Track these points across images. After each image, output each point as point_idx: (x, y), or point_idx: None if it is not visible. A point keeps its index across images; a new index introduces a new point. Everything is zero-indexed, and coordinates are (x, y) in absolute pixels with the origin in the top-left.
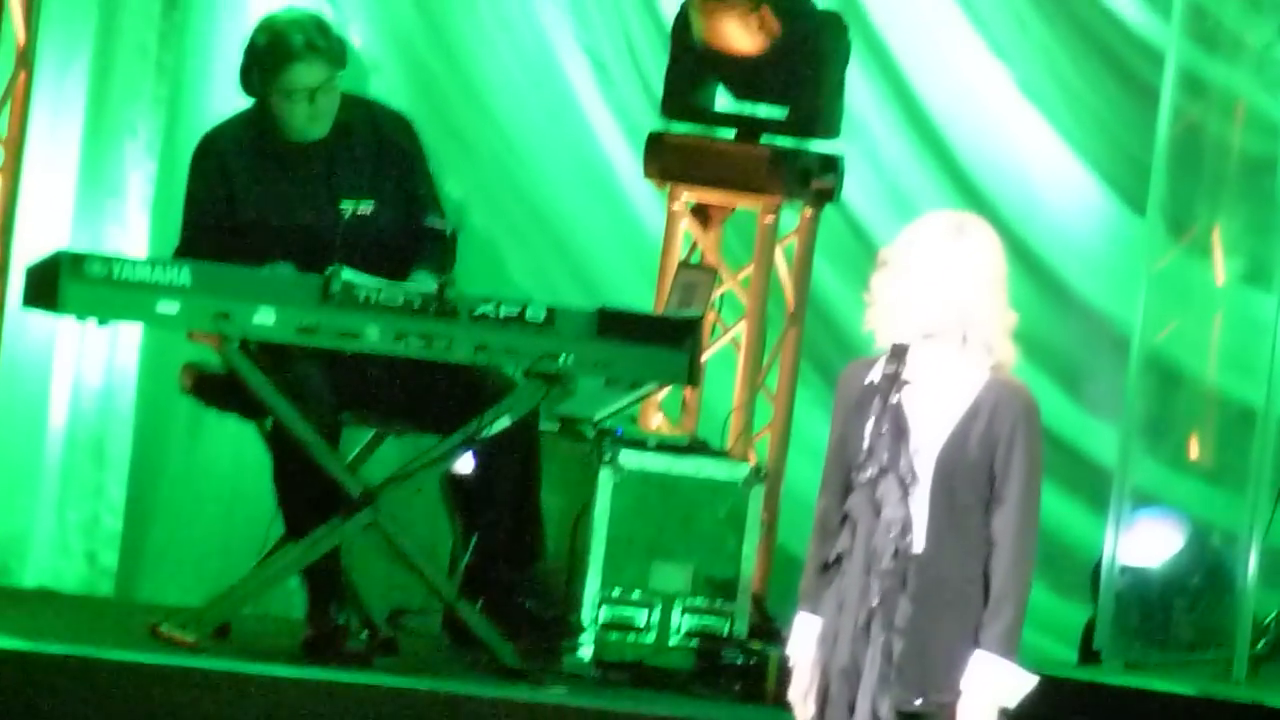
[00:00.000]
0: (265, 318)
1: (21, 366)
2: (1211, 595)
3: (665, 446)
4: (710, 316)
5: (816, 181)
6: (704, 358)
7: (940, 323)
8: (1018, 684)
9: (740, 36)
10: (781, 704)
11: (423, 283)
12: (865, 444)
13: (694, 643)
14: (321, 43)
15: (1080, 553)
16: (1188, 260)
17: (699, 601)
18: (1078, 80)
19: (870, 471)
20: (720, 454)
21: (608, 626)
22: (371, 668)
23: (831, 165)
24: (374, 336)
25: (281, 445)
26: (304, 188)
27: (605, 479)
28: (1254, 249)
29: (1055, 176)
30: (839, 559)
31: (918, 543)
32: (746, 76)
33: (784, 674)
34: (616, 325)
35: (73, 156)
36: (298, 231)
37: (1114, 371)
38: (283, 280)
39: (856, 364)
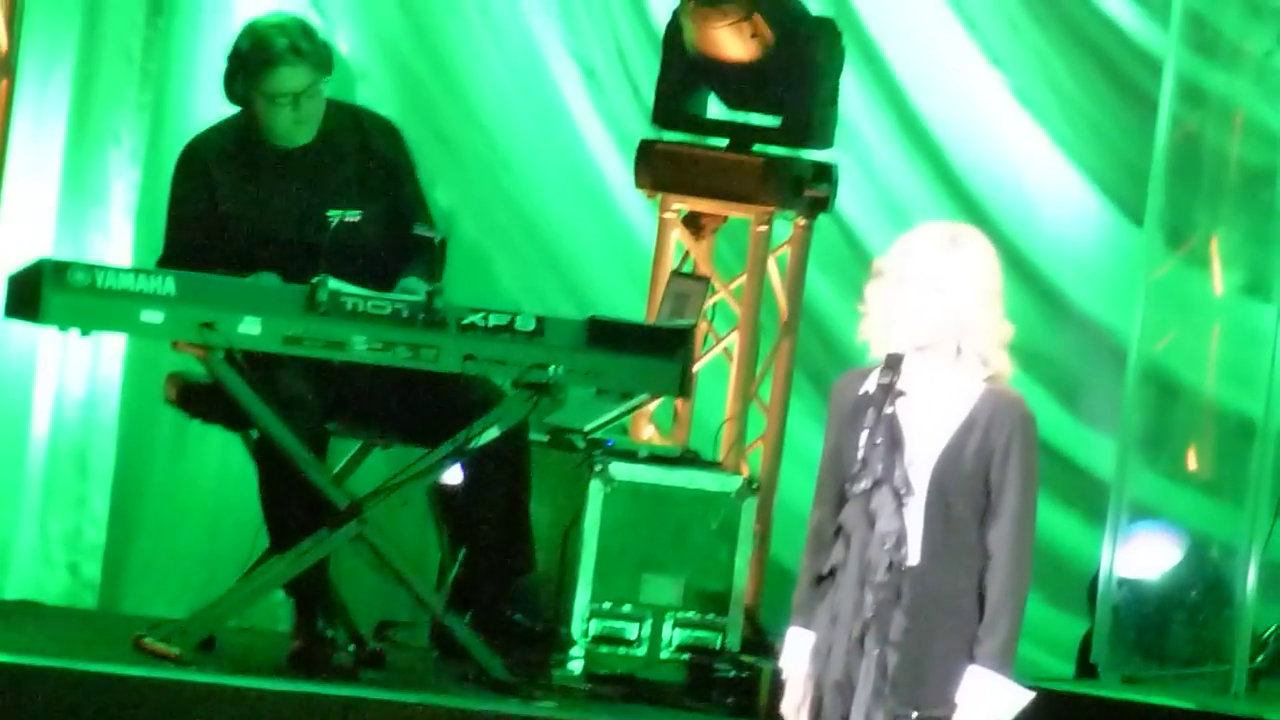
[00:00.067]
0: (251, 327)
1: (3, 376)
2: (1210, 609)
3: (656, 458)
4: (702, 326)
5: (810, 190)
6: (696, 368)
7: (935, 334)
8: (1013, 699)
9: (733, 44)
10: (774, 718)
11: (410, 292)
12: (860, 455)
13: (685, 656)
14: (306, 46)
15: (1077, 565)
16: (1186, 271)
17: (690, 614)
18: (1074, 88)
19: (865, 483)
20: (712, 465)
21: (598, 640)
22: (358, 681)
23: (825, 174)
24: (361, 346)
25: (267, 456)
26: (290, 196)
27: (595, 491)
28: (1253, 259)
29: (1052, 186)
30: (833, 572)
31: (912, 555)
32: (739, 84)
33: (777, 688)
34: (607, 335)
35: (55, 164)
36: (283, 240)
37: (1111, 383)
38: (268, 290)
39: (851, 374)
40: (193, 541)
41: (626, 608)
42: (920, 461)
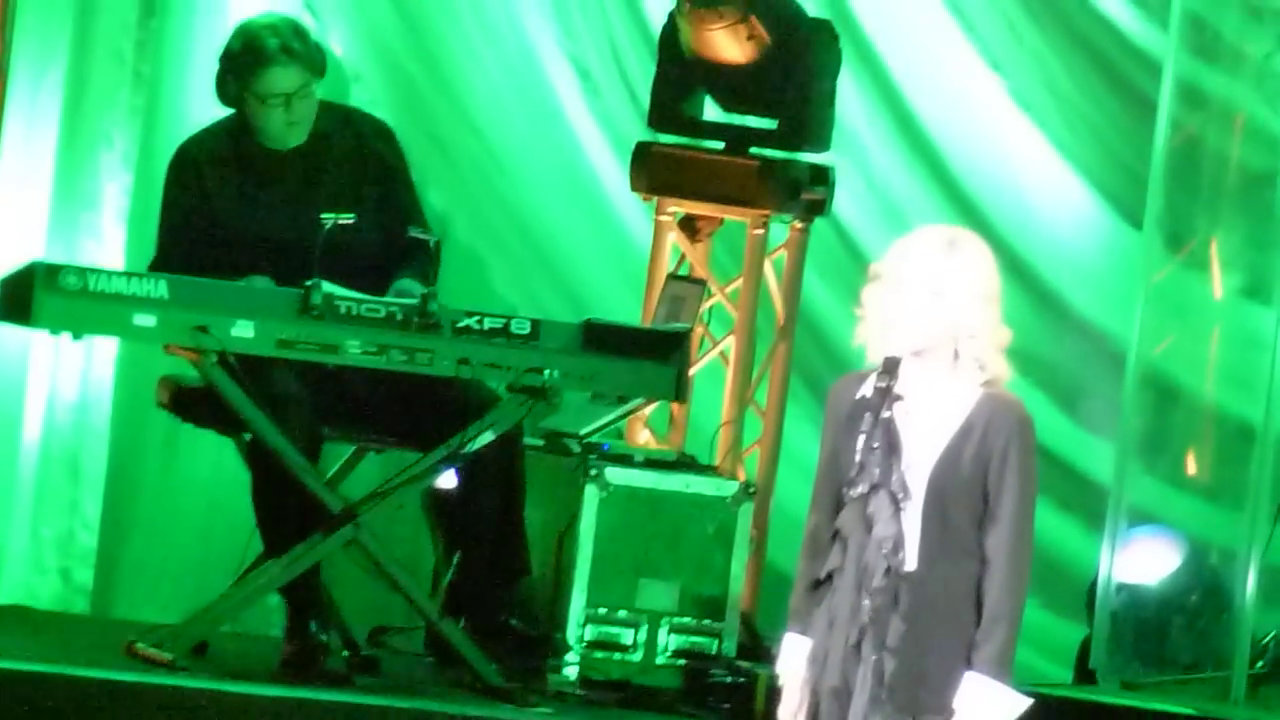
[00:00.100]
0: (244, 331)
1: None
2: (1209, 614)
3: (652, 462)
4: (698, 330)
5: (807, 193)
6: (692, 372)
7: (932, 338)
8: (1011, 706)
9: (729, 46)
10: None
11: (405, 295)
12: (857, 459)
13: (681, 662)
14: (298, 47)
15: (1076, 571)
16: (1185, 274)
17: (686, 620)
18: (1073, 91)
19: (862, 487)
20: (708, 470)
21: (593, 645)
22: (352, 687)
23: (822, 177)
24: (355, 350)
25: (260, 461)
26: (283, 199)
27: (591, 495)
28: (1253, 263)
29: (1050, 189)
30: (829, 577)
31: (910, 560)
32: (735, 87)
33: (773, 694)
34: (602, 339)
35: (47, 168)
36: (277, 243)
37: (1110, 387)
38: (262, 293)
39: (848, 378)
40: (185, 546)
41: (622, 613)
42: (918, 466)
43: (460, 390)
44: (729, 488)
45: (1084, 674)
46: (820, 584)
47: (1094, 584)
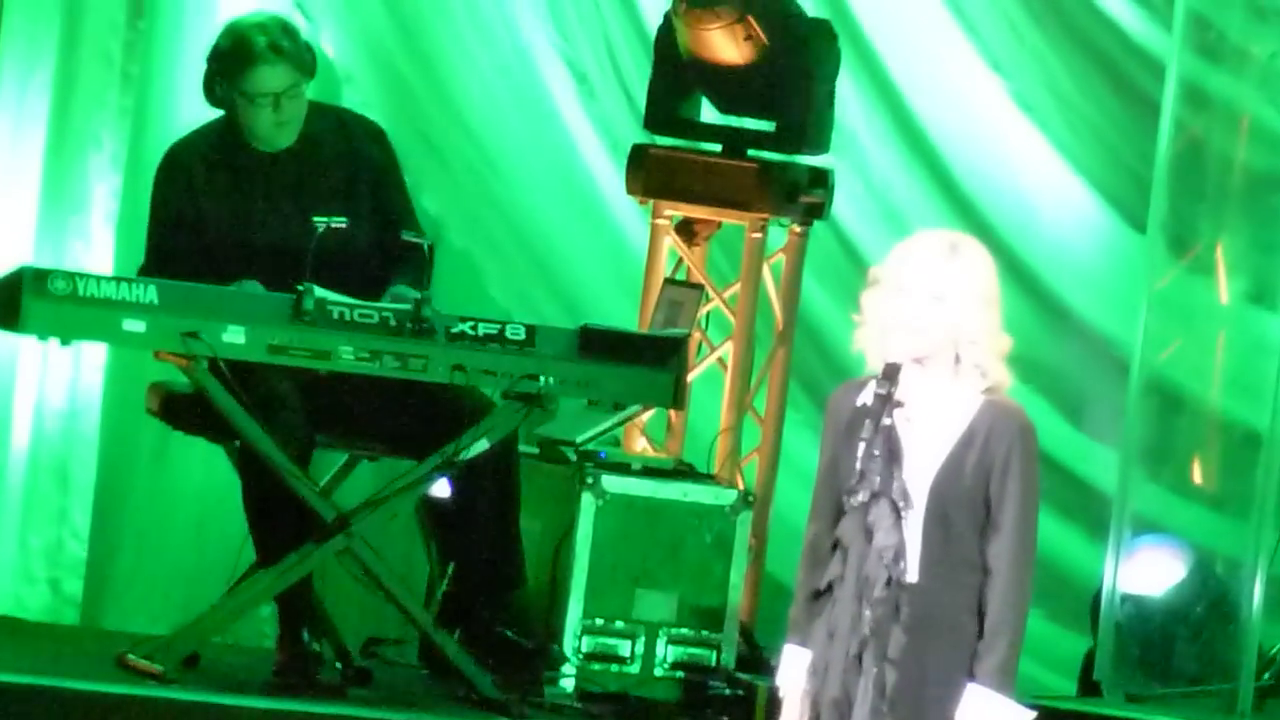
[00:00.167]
0: (235, 337)
1: None
2: (1215, 625)
3: (649, 470)
4: (696, 336)
5: (805, 197)
6: (690, 378)
7: (934, 343)
8: (1013, 718)
9: (726, 47)
10: None
11: (399, 300)
12: (857, 467)
13: (680, 674)
14: (287, 45)
15: (1079, 581)
16: (1190, 279)
17: (685, 631)
18: (1075, 92)
19: (862, 496)
20: (706, 478)
21: (590, 656)
22: (345, 699)
23: (821, 180)
24: (348, 356)
25: (252, 469)
26: (273, 202)
27: (587, 504)
28: (1259, 268)
29: (1052, 192)
30: (830, 587)
31: (911, 570)
32: (732, 89)
33: (773, 706)
34: (599, 345)
35: (35, 170)
36: (267, 247)
37: (1114, 394)
38: (253, 298)
39: (847, 385)
40: (176, 556)
41: (619, 624)
42: (919, 474)
43: (454, 397)
44: (727, 496)
45: (1088, 686)
46: (820, 594)
47: (1098, 595)
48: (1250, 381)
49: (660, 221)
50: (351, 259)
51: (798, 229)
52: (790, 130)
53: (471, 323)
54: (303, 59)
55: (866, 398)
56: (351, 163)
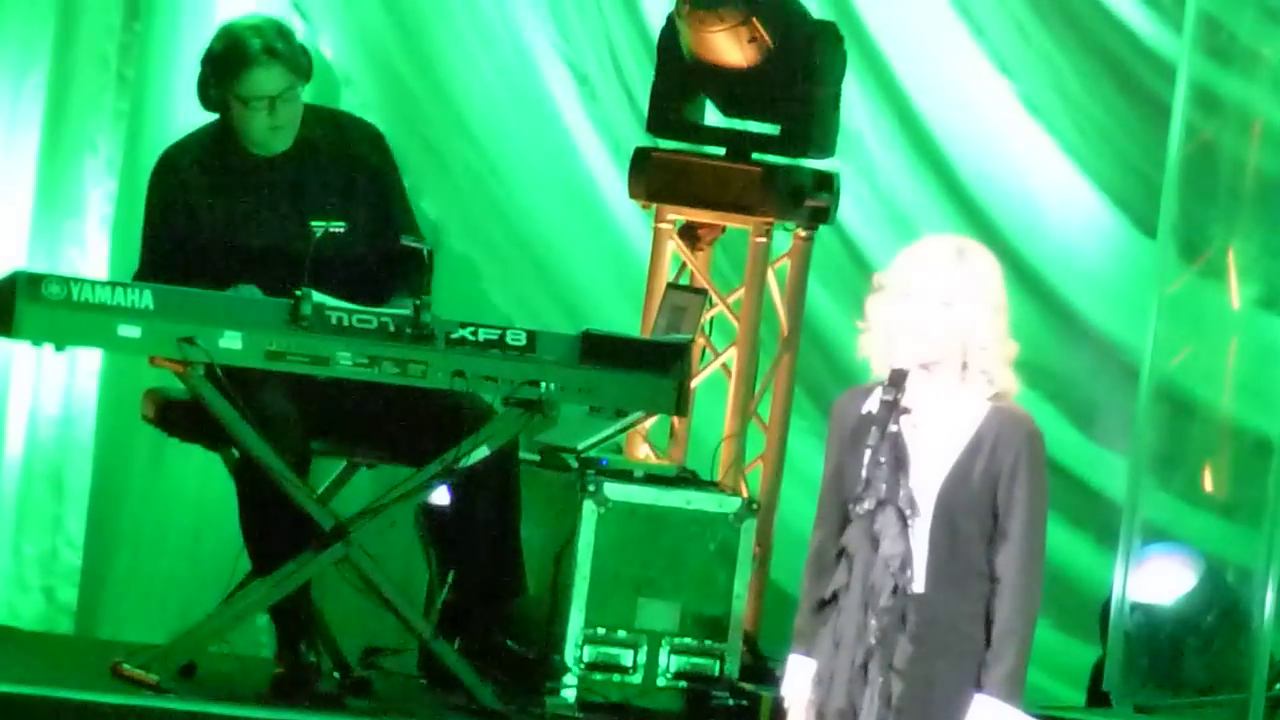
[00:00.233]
0: (232, 342)
1: None
2: (1226, 635)
3: (652, 478)
4: (700, 341)
5: (810, 201)
6: (693, 384)
7: (942, 349)
8: None
9: (730, 49)
10: None
11: (397, 306)
12: (863, 475)
13: (682, 684)
14: (282, 48)
15: (1088, 590)
16: (1201, 284)
17: (688, 641)
18: (1084, 95)
19: (868, 503)
20: (710, 486)
21: (592, 666)
22: (344, 709)
23: (826, 184)
24: (346, 362)
25: (249, 476)
26: (269, 206)
27: (589, 511)
28: (1270, 272)
29: (1061, 196)
30: (835, 596)
31: (918, 579)
32: (737, 91)
33: (777, 716)
34: (601, 350)
35: (29, 174)
36: (264, 252)
37: (1123, 401)
38: (250, 303)
39: (852, 392)
40: (172, 564)
41: (621, 633)
42: (926, 481)
43: (454, 403)
44: (731, 504)
45: (1097, 696)
46: (826, 604)
47: (1107, 603)
48: (1262, 388)
49: (663, 225)
50: (350, 264)
51: (803, 233)
52: (795, 133)
53: (472, 328)
54: (298, 62)
55: (872, 404)
56: (349, 166)
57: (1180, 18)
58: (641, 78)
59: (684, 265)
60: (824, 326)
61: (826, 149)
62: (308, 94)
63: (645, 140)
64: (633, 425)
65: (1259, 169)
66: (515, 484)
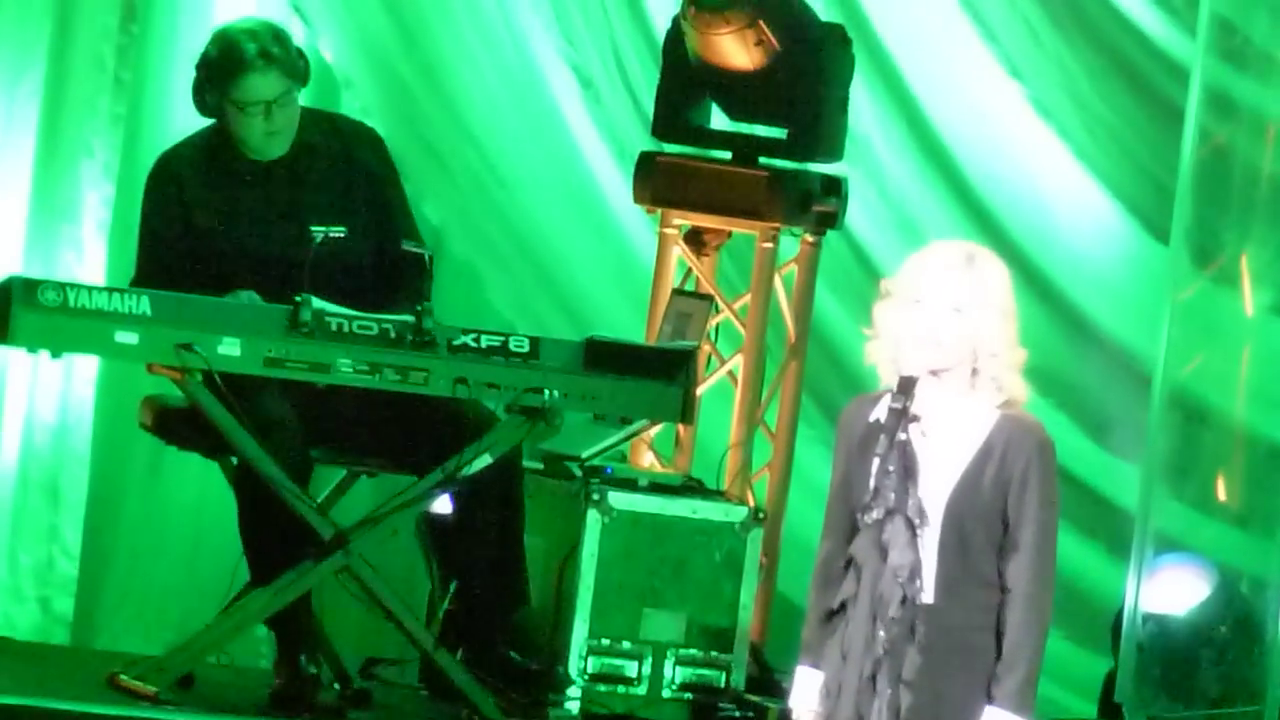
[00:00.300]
0: (230, 349)
1: None
2: (1240, 646)
3: (657, 486)
4: (705, 348)
5: (818, 205)
6: (699, 392)
7: (950, 357)
8: None
9: (736, 52)
10: None
11: (398, 312)
12: (871, 484)
13: (688, 695)
14: (277, 52)
15: (1100, 601)
16: (1214, 291)
17: (693, 652)
18: (1096, 99)
19: (877, 513)
20: (716, 495)
21: (596, 678)
22: None
23: (834, 188)
24: (346, 369)
25: (247, 485)
26: (267, 211)
27: (593, 521)
28: None
29: (1072, 202)
30: (843, 606)
31: (927, 589)
32: (743, 95)
33: None
34: (605, 357)
35: (25, 178)
36: (262, 258)
37: (1136, 408)
38: (248, 309)
39: (860, 400)
40: (170, 574)
41: (626, 644)
42: (935, 490)
43: (456, 411)
44: (737, 513)
45: (1109, 708)
46: (833, 614)
47: (1119, 614)
48: (1276, 395)
49: (668, 231)
50: (350, 269)
51: (810, 238)
52: (802, 137)
53: (474, 334)
54: (294, 66)
55: (880, 412)
56: (348, 170)
57: (1193, 20)
58: (646, 81)
59: (689, 271)
60: (832, 333)
61: (834, 153)
62: (307, 97)
63: (650, 144)
64: (637, 433)
65: (1273, 174)
66: (518, 493)
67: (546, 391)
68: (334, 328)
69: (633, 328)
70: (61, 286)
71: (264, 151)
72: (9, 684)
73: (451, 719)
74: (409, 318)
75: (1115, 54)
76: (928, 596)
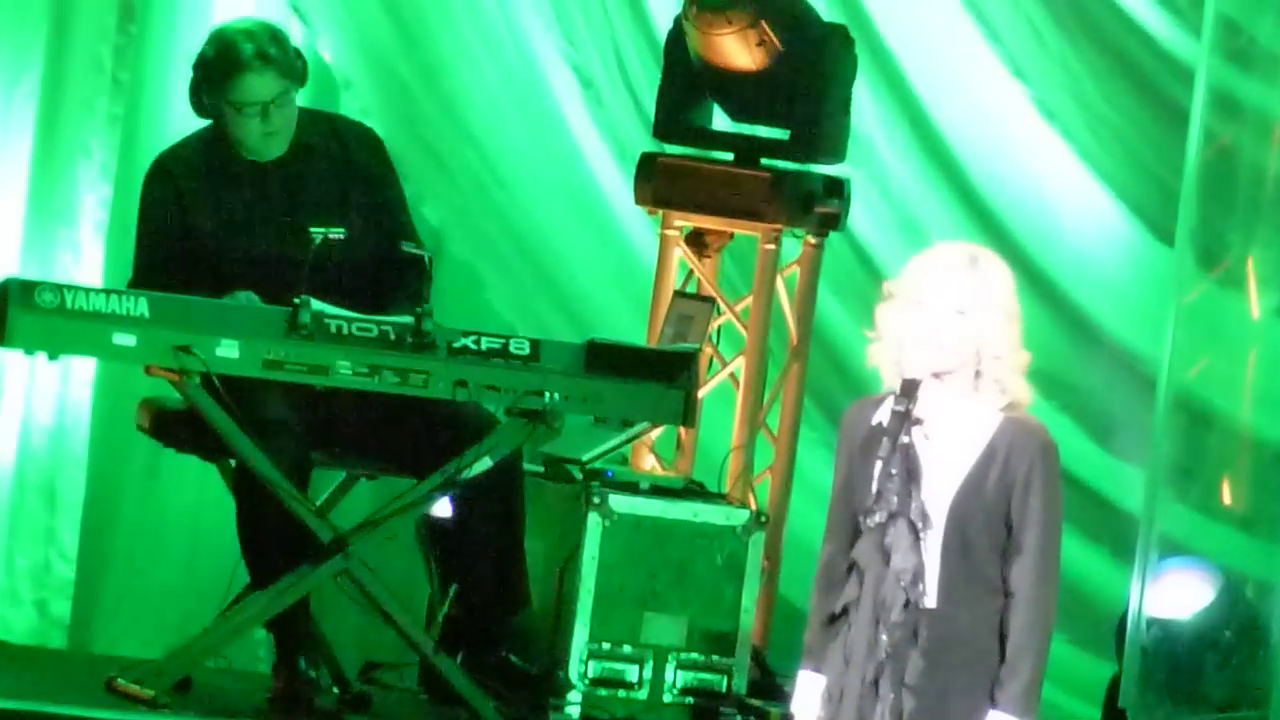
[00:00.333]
0: (228, 351)
1: None
2: (1245, 651)
3: (658, 489)
4: (707, 350)
5: (820, 207)
6: (700, 394)
7: (955, 358)
8: None
9: (738, 52)
10: None
11: (398, 314)
12: (874, 487)
13: (689, 700)
14: (274, 53)
15: (1104, 605)
16: (1219, 293)
17: (694, 656)
18: (1101, 100)
19: (879, 516)
20: (717, 498)
21: (596, 682)
22: None
23: (836, 190)
24: (345, 371)
25: (246, 487)
26: (265, 212)
27: (594, 524)
28: None
29: (1077, 203)
30: (845, 610)
31: (930, 593)
32: (745, 95)
33: None
34: (606, 359)
35: (21, 179)
36: (260, 259)
37: (1140, 411)
38: (247, 311)
39: (862, 402)
40: (167, 577)
41: (626, 648)
42: (938, 494)
43: (456, 414)
44: (739, 517)
45: (1113, 713)
46: (836, 618)
47: (1123, 618)
48: None
49: (670, 232)
50: (349, 271)
51: (812, 240)
52: (805, 138)
53: (474, 337)
54: (292, 66)
55: (883, 415)
56: (346, 171)
57: (1198, 21)
58: (648, 81)
59: (691, 273)
60: (834, 335)
61: (837, 154)
62: (306, 97)
63: (651, 145)
64: (638, 436)
65: (1279, 175)
66: (519, 496)
67: (547, 394)
68: (333, 330)
69: (634, 330)
70: (59, 288)
71: (261, 152)
72: (6, 688)
73: None
74: (408, 319)
75: (1119, 54)
76: (930, 600)
